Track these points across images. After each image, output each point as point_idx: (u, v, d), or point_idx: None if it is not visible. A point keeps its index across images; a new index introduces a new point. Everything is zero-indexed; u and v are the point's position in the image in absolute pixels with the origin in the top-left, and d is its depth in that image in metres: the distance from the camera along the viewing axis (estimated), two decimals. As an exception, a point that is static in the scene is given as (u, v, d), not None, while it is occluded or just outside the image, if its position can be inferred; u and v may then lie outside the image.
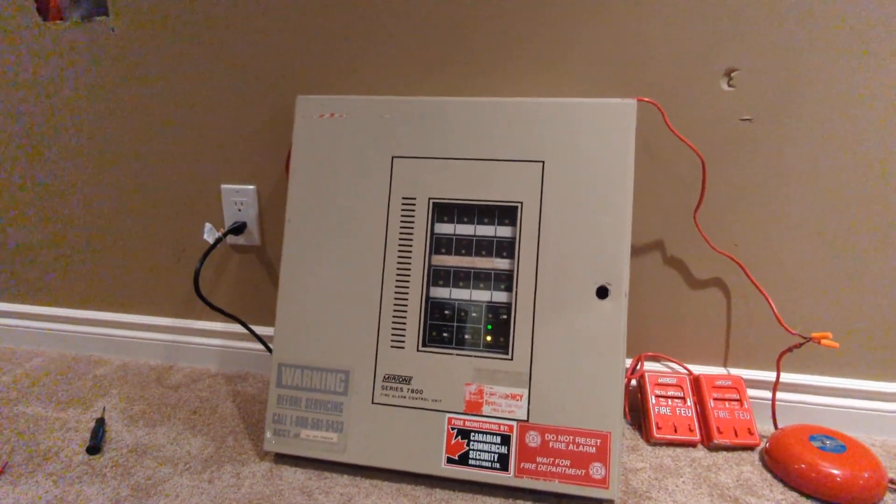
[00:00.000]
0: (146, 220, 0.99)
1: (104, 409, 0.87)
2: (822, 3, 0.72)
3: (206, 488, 0.70)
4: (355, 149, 0.76)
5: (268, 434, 0.74)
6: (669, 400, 0.83)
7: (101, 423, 0.82)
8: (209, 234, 0.87)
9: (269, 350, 0.92)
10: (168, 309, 1.04)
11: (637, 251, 0.85)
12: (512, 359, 0.70)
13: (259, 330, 0.95)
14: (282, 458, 0.75)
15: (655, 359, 0.89)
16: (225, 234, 0.89)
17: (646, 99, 0.74)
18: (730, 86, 0.76)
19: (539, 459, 0.68)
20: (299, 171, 0.77)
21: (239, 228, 0.93)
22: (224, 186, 0.94)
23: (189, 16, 0.88)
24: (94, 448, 0.76)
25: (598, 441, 0.67)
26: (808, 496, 0.70)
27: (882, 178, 0.76)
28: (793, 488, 0.72)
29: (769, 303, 0.80)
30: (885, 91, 0.73)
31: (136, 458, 0.76)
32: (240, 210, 0.93)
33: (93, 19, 0.91)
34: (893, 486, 0.71)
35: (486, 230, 0.73)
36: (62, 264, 1.06)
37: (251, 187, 0.93)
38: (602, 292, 0.69)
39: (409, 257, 0.73)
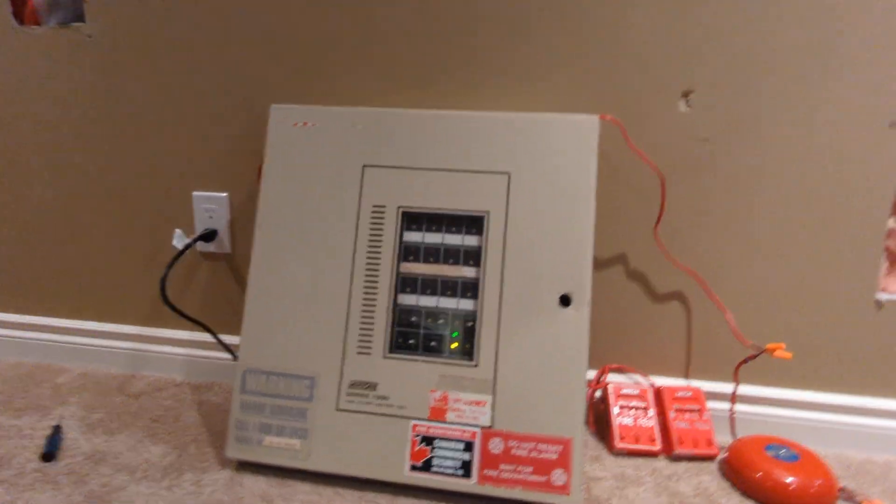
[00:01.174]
0: (115, 227, 0.99)
1: (61, 416, 0.85)
2: (777, 24, 0.77)
3: (164, 495, 0.68)
4: (327, 157, 0.77)
5: (230, 440, 0.73)
6: (632, 410, 0.84)
7: (57, 430, 0.80)
8: (178, 241, 0.86)
9: (236, 358, 0.92)
10: (133, 317, 1.02)
11: (601, 264, 0.87)
12: (477, 365, 0.71)
13: (227, 339, 0.95)
14: (244, 466, 0.75)
15: (619, 370, 0.90)
16: (194, 241, 0.89)
17: (608, 117, 0.77)
18: (688, 106, 0.80)
19: (502, 466, 0.68)
20: (271, 177, 0.78)
21: (209, 236, 0.93)
22: (196, 193, 0.94)
23: (164, 24, 0.89)
24: (49, 455, 0.74)
25: (560, 447, 0.68)
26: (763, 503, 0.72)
27: (836, 196, 0.80)
28: (749, 496, 0.73)
29: (726, 316, 0.83)
30: (840, 112, 0.78)
31: (93, 466, 0.74)
32: (211, 217, 0.93)
33: (69, 26, 0.91)
34: (843, 494, 0.73)
35: (453, 239, 0.75)
36: (24, 270, 1.04)
37: (223, 195, 0.93)
38: (565, 300, 0.71)
39: (378, 264, 0.74)
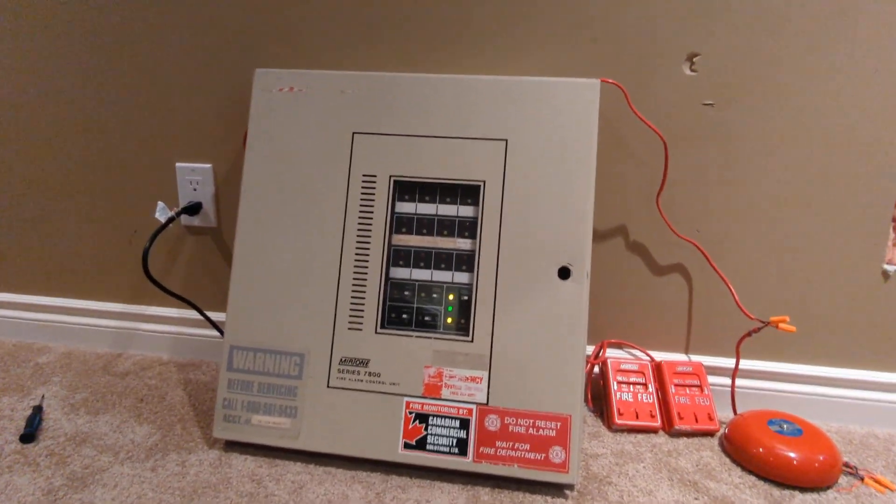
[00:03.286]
0: (96, 200, 0.95)
1: (43, 396, 0.82)
2: (782, -10, 0.73)
3: (147, 477, 0.66)
4: (314, 124, 0.73)
5: (217, 420, 0.71)
6: (631, 386, 0.82)
7: (38, 410, 0.77)
8: (161, 213, 0.83)
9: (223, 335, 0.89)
10: (118, 294, 0.99)
11: (600, 236, 0.84)
12: (472, 341, 0.68)
13: (214, 316, 0.92)
14: (232, 446, 0.72)
15: (618, 345, 0.88)
16: (178, 214, 0.85)
17: (610, 80, 0.74)
18: (692, 70, 0.76)
19: (498, 444, 0.66)
20: (256, 145, 0.74)
21: (194, 208, 0.89)
22: (179, 165, 0.90)
23: (143, -15, 0.84)
24: (29, 436, 0.72)
25: (559, 424, 0.66)
26: (765, 479, 0.70)
27: (844, 165, 0.77)
28: (750, 472, 0.72)
29: (729, 288, 0.80)
30: (846, 79, 0.75)
31: (74, 447, 0.71)
32: (195, 189, 0.90)
33: (39, -14, 0.86)
34: (847, 469, 0.71)
35: (448, 209, 0.71)
36: (3, 246, 1.00)
37: (207, 166, 0.89)
38: (564, 273, 0.68)
39: (369, 236, 0.71)
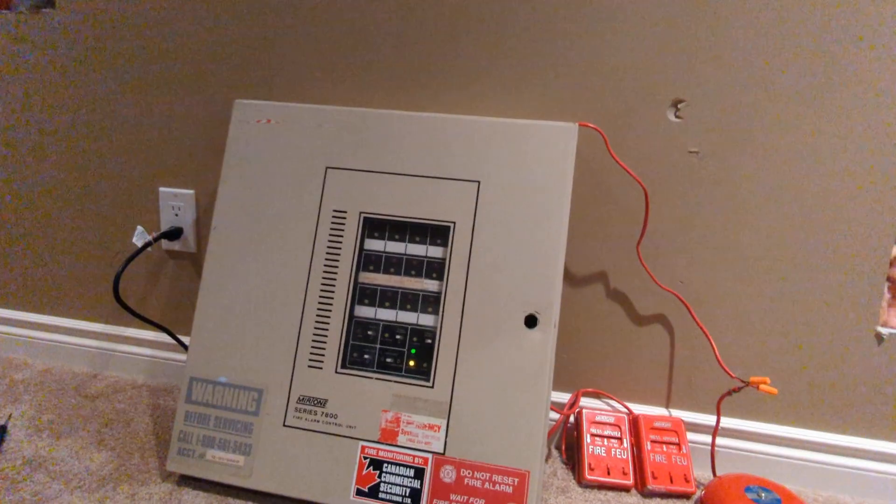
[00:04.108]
0: (80, 221, 0.96)
1: (10, 416, 0.82)
2: (771, 35, 0.71)
3: (95, 508, 0.65)
4: (290, 157, 0.73)
5: (171, 453, 0.70)
6: (605, 440, 0.79)
7: (2, 430, 0.77)
8: (138, 238, 0.83)
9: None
10: (100, 313, 0.99)
11: (579, 282, 0.82)
12: (433, 386, 0.66)
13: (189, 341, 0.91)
14: (186, 480, 0.71)
15: (595, 395, 0.85)
16: (156, 239, 0.85)
17: (589, 124, 0.72)
18: (677, 117, 0.75)
19: (453, 496, 0.64)
20: (231, 176, 0.74)
21: (175, 233, 0.90)
22: (162, 189, 0.90)
23: (133, 14, 0.86)
24: (-14, 457, 0.71)
25: (516, 480, 0.63)
26: (738, 552, 0.66)
27: (837, 220, 0.74)
28: (724, 542, 0.68)
29: (711, 343, 0.77)
30: (843, 126, 0.72)
31: (29, 472, 0.70)
32: (177, 215, 0.90)
33: (40, 12, 0.89)
34: (829, 546, 0.67)
35: (417, 249, 0.70)
36: (-6, 261, 1.02)
37: (190, 192, 0.89)
38: (531, 321, 0.66)
39: (335, 273, 0.70)
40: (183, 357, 0.94)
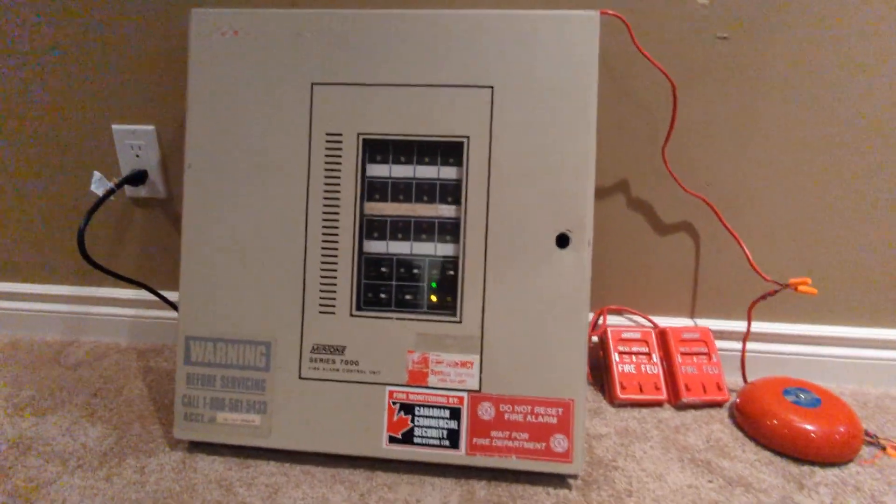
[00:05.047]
0: (28, 173, 0.83)
1: (-17, 396, 0.73)
2: None
3: (102, 488, 0.59)
4: (266, 75, 0.62)
5: (177, 420, 0.63)
6: (634, 357, 0.76)
7: (-24, 414, 0.68)
8: (98, 185, 0.72)
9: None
10: (67, 276, 0.89)
11: (598, 193, 0.75)
12: (461, 321, 0.60)
13: (173, 296, 0.82)
14: (197, 447, 0.65)
15: (618, 312, 0.81)
16: (119, 186, 0.74)
17: (610, 12, 0.63)
18: (706, -3, 0.66)
19: (493, 434, 0.59)
20: (198, 104, 0.63)
21: (138, 177, 0.78)
22: (116, 127, 0.78)
23: None
24: (-36, 446, 0.63)
25: (560, 410, 0.59)
26: (781, 454, 0.65)
27: (872, 108, 0.68)
28: (765, 447, 0.66)
29: (742, 248, 0.73)
30: (886, 5, 0.65)
31: (18, 456, 0.63)
32: (138, 156, 0.78)
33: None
34: (868, 440, 0.66)
35: (427, 171, 0.62)
36: (-71, 227, 0.89)
37: (149, 127, 0.77)
38: (563, 241, 0.59)
39: (338, 206, 0.62)
40: (168, 314, 0.86)
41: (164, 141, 0.78)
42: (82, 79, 0.77)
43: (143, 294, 0.86)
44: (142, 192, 0.80)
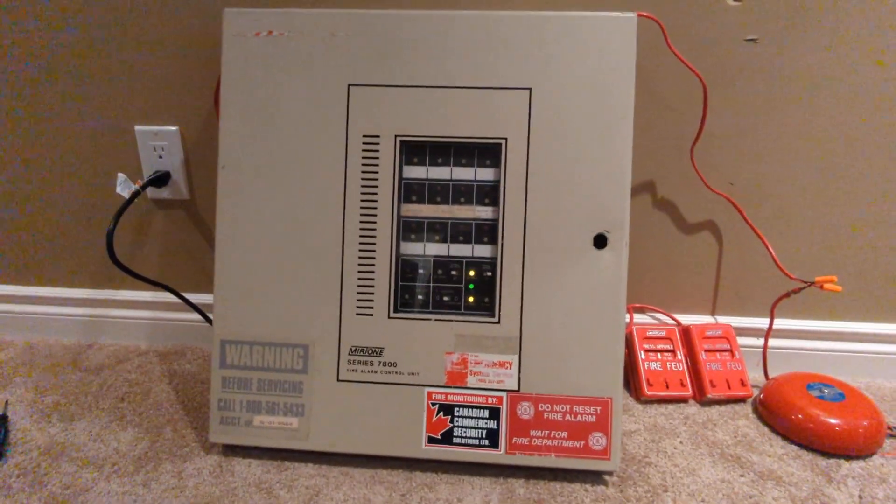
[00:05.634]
0: (49, 175, 0.82)
1: (6, 402, 0.72)
2: None
3: (140, 494, 0.58)
4: (301, 75, 0.62)
5: (213, 423, 0.63)
6: (659, 354, 0.77)
7: (2, 420, 0.67)
8: (123, 188, 0.71)
9: (208, 320, 0.79)
10: (83, 278, 0.87)
11: (627, 194, 0.76)
12: (499, 322, 0.61)
13: (195, 298, 0.81)
14: (232, 450, 0.64)
15: (641, 310, 0.82)
16: (144, 187, 0.74)
17: (645, 14, 0.63)
18: (735, 0, 0.67)
19: (533, 433, 0.60)
20: (232, 105, 0.62)
21: (161, 179, 0.78)
22: (139, 128, 0.77)
23: None
24: (-6, 453, 0.63)
25: (599, 409, 0.60)
26: (807, 448, 0.67)
27: (893, 108, 0.70)
28: (791, 441, 0.68)
29: (766, 246, 0.74)
30: (900, 7, 0.66)
31: (51, 462, 0.62)
32: (161, 157, 0.77)
33: None
34: (890, 432, 0.68)
35: (464, 173, 0.62)
36: (-61, 229, 0.87)
37: (173, 128, 0.76)
38: (600, 241, 0.60)
39: (375, 208, 0.62)
40: (188, 315, 0.85)
41: (187, 142, 0.77)
42: (104, 78, 0.76)
43: (162, 296, 0.85)
44: (164, 193, 0.79)
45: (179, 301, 0.81)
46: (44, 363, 0.82)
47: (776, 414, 0.70)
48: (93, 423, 0.69)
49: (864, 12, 0.66)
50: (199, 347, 0.86)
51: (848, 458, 0.65)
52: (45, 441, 0.66)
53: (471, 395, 0.61)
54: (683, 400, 0.75)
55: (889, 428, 0.68)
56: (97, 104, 0.77)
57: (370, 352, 0.62)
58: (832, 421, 0.66)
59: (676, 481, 0.61)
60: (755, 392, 0.75)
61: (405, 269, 0.63)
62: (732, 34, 0.68)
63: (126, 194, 0.71)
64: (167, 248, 0.83)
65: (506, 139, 0.60)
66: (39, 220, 0.84)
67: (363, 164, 0.61)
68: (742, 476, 0.62)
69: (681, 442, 0.68)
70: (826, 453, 0.66)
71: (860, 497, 0.59)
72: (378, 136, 0.61)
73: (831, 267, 0.77)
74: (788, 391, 0.71)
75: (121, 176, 0.71)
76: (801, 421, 0.67)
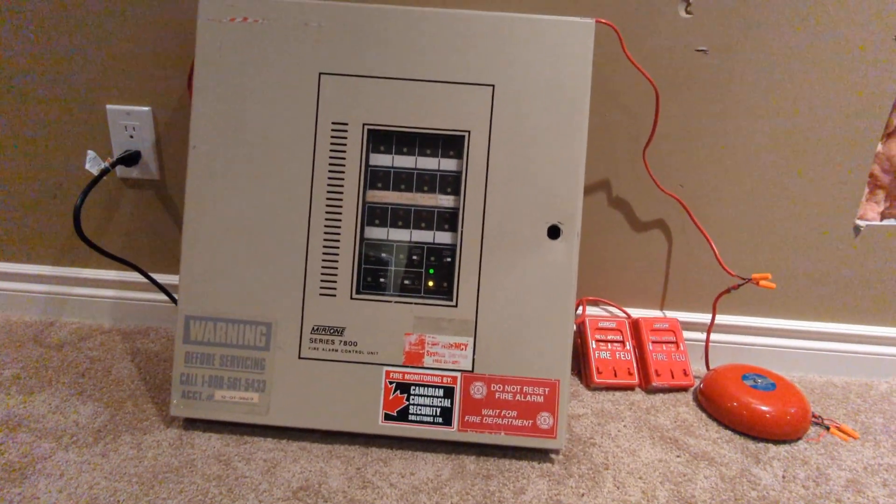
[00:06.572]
0: (15, 150, 0.81)
1: (-36, 374, 0.72)
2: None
3: (98, 463, 0.59)
4: (274, 62, 0.64)
5: (174, 397, 0.64)
6: (609, 344, 0.81)
7: (-41, 391, 0.67)
8: (92, 164, 0.72)
9: (174, 300, 0.80)
10: (46, 255, 0.87)
11: (584, 191, 0.80)
12: (456, 305, 0.64)
13: (161, 278, 0.82)
14: (193, 424, 0.66)
15: (594, 303, 0.86)
16: (113, 165, 0.74)
17: (603, 20, 0.67)
18: (687, 13, 0.71)
19: (484, 412, 0.63)
20: (205, 87, 0.64)
21: (131, 158, 0.78)
22: (110, 107, 0.78)
23: None
24: (-49, 422, 0.63)
25: (547, 390, 0.63)
26: (740, 433, 0.72)
27: (827, 119, 0.76)
28: (726, 426, 0.73)
29: (710, 245, 0.79)
30: (845, 26, 0.72)
31: (8, 433, 0.63)
32: (132, 136, 0.78)
33: None
34: (814, 420, 0.74)
35: (428, 163, 0.65)
36: None
37: (145, 109, 0.77)
38: (554, 232, 0.64)
39: (341, 193, 0.64)
40: (153, 296, 0.86)
41: (159, 123, 0.78)
42: (76, 56, 0.76)
43: (126, 275, 0.86)
44: (134, 172, 0.80)
45: (144, 280, 0.82)
46: (4, 339, 0.81)
47: (713, 401, 0.75)
48: (52, 396, 0.69)
49: (806, 29, 0.72)
50: (163, 328, 0.87)
51: (776, 442, 0.70)
52: (3, 413, 0.66)
53: (427, 374, 0.64)
54: (630, 388, 0.80)
55: (814, 416, 0.74)
56: (69, 82, 0.77)
57: (332, 331, 0.64)
58: (763, 408, 0.71)
59: (617, 460, 0.65)
60: (697, 382, 0.80)
61: (369, 253, 0.65)
62: (684, 44, 0.73)
63: (95, 171, 0.72)
64: (135, 228, 0.84)
65: (469, 132, 0.64)
66: (3, 194, 0.84)
67: (331, 151, 0.64)
68: (678, 457, 0.67)
69: (625, 426, 0.72)
70: (757, 438, 0.71)
71: (783, 477, 0.64)
72: (346, 124, 0.64)
73: (770, 266, 0.82)
74: (725, 380, 0.76)
75: (90, 153, 0.72)
76: (735, 408, 0.72)
